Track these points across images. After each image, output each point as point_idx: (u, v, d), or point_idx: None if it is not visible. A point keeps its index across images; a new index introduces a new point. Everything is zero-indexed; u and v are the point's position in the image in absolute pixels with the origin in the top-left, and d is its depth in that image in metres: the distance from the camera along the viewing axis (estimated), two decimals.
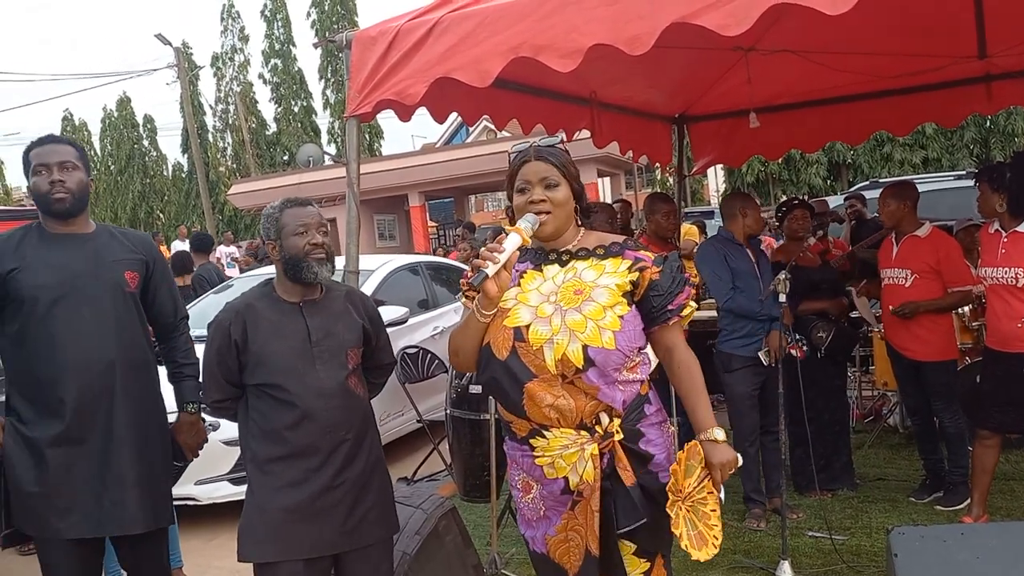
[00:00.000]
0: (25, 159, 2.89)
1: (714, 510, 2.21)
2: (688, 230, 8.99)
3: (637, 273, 2.23)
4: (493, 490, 3.98)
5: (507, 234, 2.21)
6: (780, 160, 21.60)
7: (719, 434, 2.22)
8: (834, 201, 10.36)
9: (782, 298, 3.93)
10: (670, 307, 2.23)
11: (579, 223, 2.37)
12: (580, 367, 2.14)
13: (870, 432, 5.95)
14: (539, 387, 2.18)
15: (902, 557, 2.72)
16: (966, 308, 5.39)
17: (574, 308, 2.19)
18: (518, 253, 2.22)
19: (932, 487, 4.70)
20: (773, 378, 4.38)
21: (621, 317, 2.18)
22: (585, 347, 2.14)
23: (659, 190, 29.86)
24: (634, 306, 2.23)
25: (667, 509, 2.20)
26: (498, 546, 4.01)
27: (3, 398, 4.26)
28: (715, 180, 30.84)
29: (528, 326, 2.20)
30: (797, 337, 4.44)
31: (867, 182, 12.23)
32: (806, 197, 22.43)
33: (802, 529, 4.36)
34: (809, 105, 5.97)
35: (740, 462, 2.26)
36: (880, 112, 5.88)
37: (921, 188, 9.81)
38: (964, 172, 10.51)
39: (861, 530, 4.33)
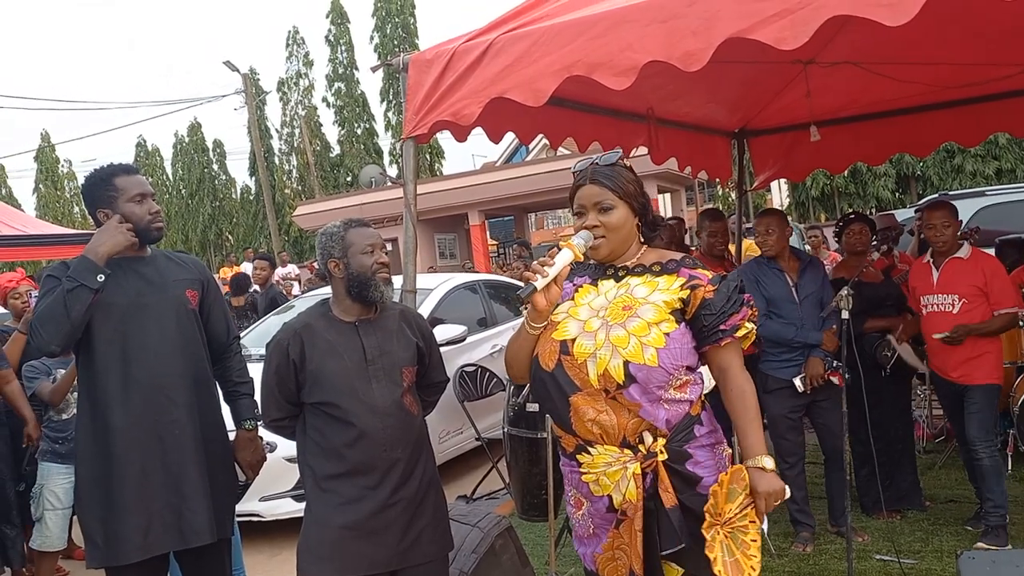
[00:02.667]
0: (107, 184, 2.92)
1: (754, 540, 2.15)
2: (749, 245, 8.86)
3: (688, 291, 2.20)
4: (551, 509, 3.97)
5: (559, 249, 2.23)
6: (846, 173, 21.18)
7: (768, 462, 2.18)
8: (904, 214, 10.11)
9: (844, 315, 3.84)
10: (722, 327, 2.18)
11: (642, 240, 2.35)
12: (621, 383, 2.13)
13: (940, 452, 5.76)
14: (583, 401, 2.19)
15: None
16: None
17: (619, 324, 2.18)
18: (569, 268, 2.25)
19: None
20: (826, 401, 4.29)
21: (667, 335, 2.14)
22: (627, 363, 2.12)
23: (720, 206, 29.52)
24: (684, 324, 2.19)
25: (703, 531, 2.14)
26: (556, 565, 3.98)
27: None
28: (779, 194, 30.35)
29: (574, 340, 2.21)
30: (836, 364, 4.26)
31: (937, 195, 11.91)
32: (873, 210, 21.98)
33: (869, 552, 4.24)
34: (873, 117, 5.84)
35: (788, 493, 2.21)
36: (948, 122, 5.73)
37: (994, 200, 9.55)
38: None
39: (931, 554, 4.19)
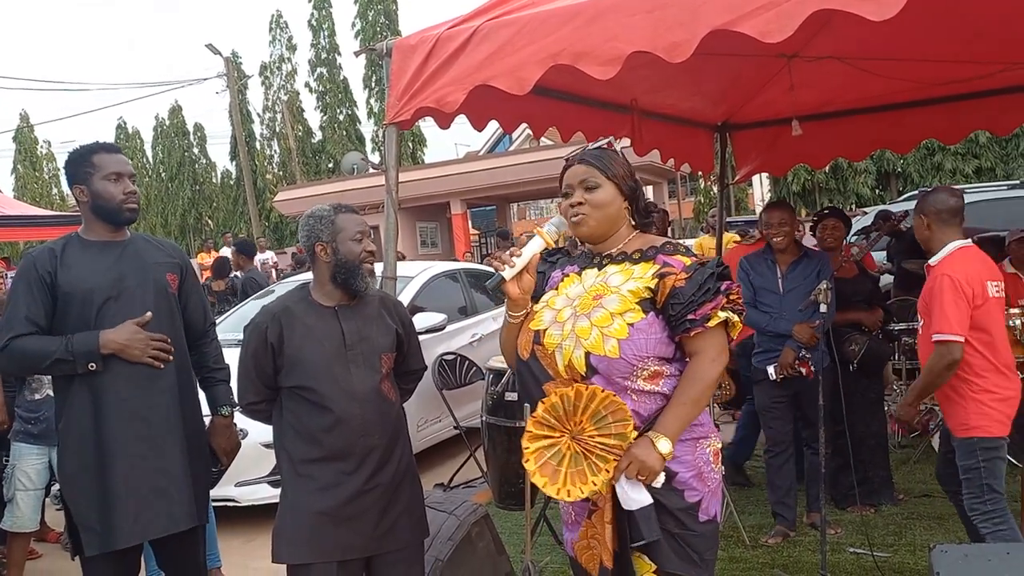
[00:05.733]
0: (86, 161, 2.89)
1: (607, 471, 2.06)
2: (731, 238, 8.91)
3: (657, 280, 2.16)
4: (527, 498, 3.96)
5: (529, 237, 2.25)
6: (827, 169, 21.30)
7: (662, 444, 2.06)
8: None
9: (823, 308, 3.86)
10: (691, 317, 2.11)
11: (634, 225, 2.33)
12: (584, 374, 2.13)
13: (916, 447, 5.82)
14: (555, 390, 2.18)
15: None
16: (1018, 321, 5.22)
17: (585, 314, 2.17)
18: (539, 256, 2.27)
19: None
20: (809, 392, 4.31)
21: (631, 325, 2.11)
22: (588, 354, 2.12)
23: (701, 199, 29.62)
24: (654, 314, 2.15)
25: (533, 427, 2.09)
26: (532, 554, 3.99)
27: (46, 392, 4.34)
28: (760, 189, 30.50)
29: (546, 330, 2.22)
30: (804, 354, 4.29)
31: (915, 191, 12.02)
32: (853, 206, 22.12)
33: (843, 545, 4.28)
34: (855, 113, 5.86)
35: (660, 481, 2.10)
36: (929, 120, 5.76)
37: (974, 198, 9.64)
38: (1018, 181, 10.26)
39: (904, 547, 4.23)
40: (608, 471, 2.08)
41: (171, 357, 2.89)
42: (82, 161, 2.91)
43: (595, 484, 2.08)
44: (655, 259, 2.21)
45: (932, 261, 3.55)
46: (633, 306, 2.14)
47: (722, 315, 2.13)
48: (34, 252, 2.89)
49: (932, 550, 2.74)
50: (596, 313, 2.15)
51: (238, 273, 8.92)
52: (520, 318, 2.29)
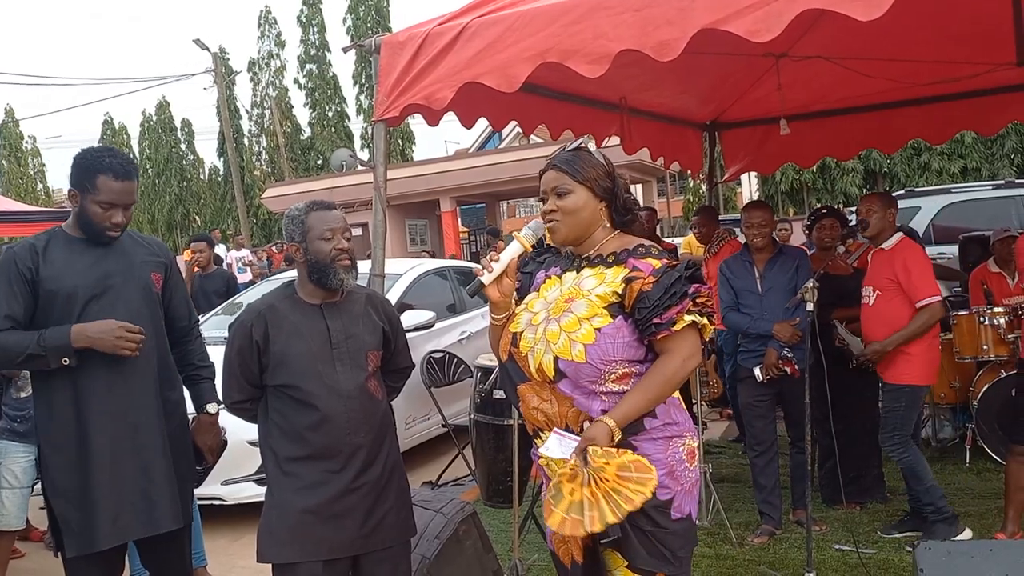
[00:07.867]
0: (91, 175, 2.79)
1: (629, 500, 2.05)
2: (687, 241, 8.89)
3: (624, 284, 2.15)
4: (515, 496, 3.97)
5: (508, 242, 2.28)
6: (814, 168, 21.38)
7: (611, 421, 2.08)
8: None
9: (809, 307, 3.87)
10: (656, 320, 2.10)
11: (615, 225, 2.31)
12: (552, 378, 2.16)
13: None
14: (529, 390, 2.24)
15: (928, 572, 2.66)
16: (1002, 320, 5.24)
17: (556, 318, 2.19)
18: (518, 260, 2.29)
19: (910, 523, 4.37)
20: (793, 390, 4.32)
21: (598, 330, 2.11)
22: (556, 358, 2.14)
23: (691, 197, 29.68)
24: (622, 317, 2.14)
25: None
26: (520, 552, 3.99)
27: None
28: (748, 188, 30.59)
29: (521, 332, 2.25)
30: (787, 354, 4.31)
31: (902, 191, 12.09)
32: (840, 206, 22.22)
33: (829, 542, 4.29)
34: (842, 112, 5.91)
35: (596, 451, 2.09)
36: (915, 120, 5.81)
37: (959, 197, 9.72)
38: (1003, 181, 10.34)
39: (889, 544, 4.25)
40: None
41: (140, 343, 2.79)
42: (88, 173, 2.80)
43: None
44: (625, 263, 2.20)
45: (888, 244, 4.23)
46: (601, 311, 2.15)
47: (688, 319, 2.11)
48: (15, 247, 2.85)
49: (916, 547, 2.76)
50: (565, 318, 2.17)
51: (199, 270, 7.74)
52: (502, 320, 2.32)
